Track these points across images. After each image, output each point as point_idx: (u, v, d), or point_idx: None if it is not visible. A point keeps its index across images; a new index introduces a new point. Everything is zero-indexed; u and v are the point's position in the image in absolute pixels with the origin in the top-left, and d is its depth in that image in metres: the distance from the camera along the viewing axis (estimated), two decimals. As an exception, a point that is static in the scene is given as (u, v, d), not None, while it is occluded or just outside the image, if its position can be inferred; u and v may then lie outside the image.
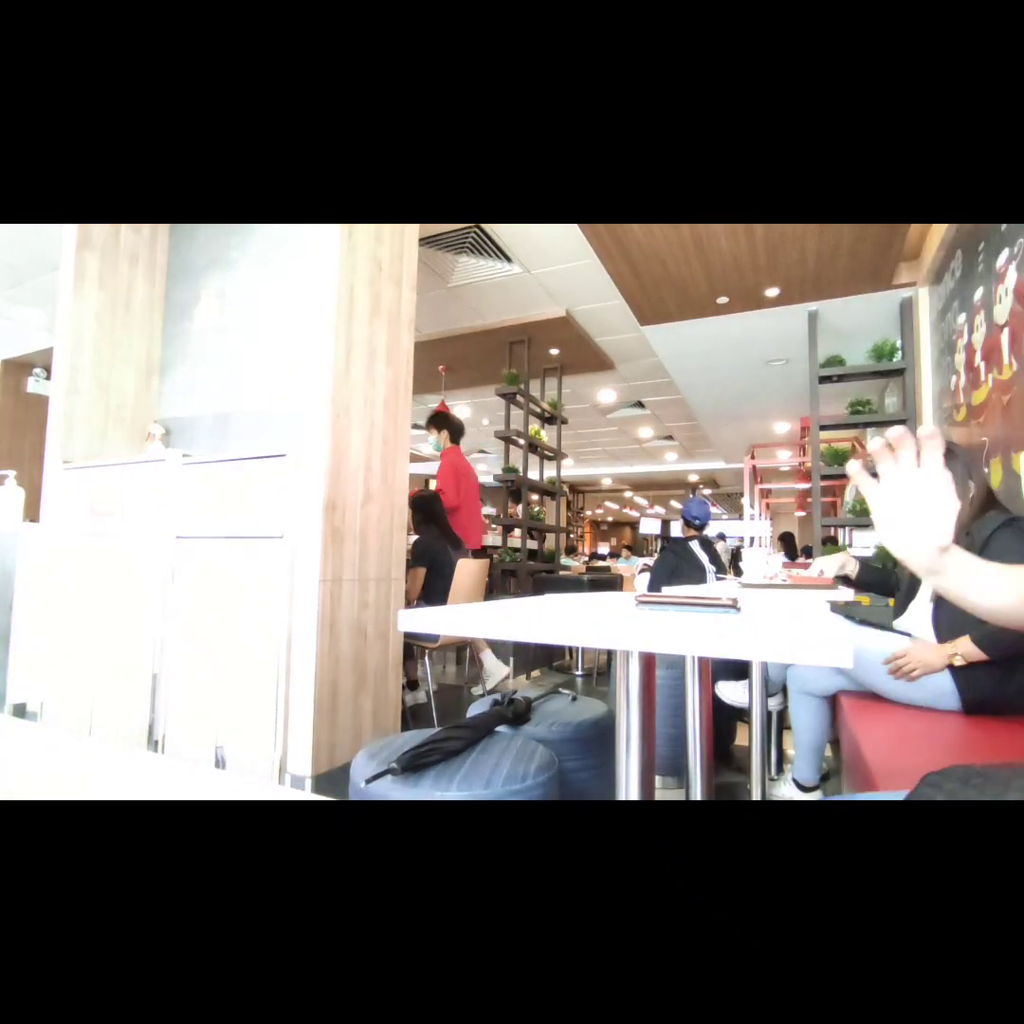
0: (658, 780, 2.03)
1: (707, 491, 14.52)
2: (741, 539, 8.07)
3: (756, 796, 1.92)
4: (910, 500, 0.57)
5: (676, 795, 1.99)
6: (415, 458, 11.27)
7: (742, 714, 2.18)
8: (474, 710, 1.53)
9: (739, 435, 8.44)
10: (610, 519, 19.06)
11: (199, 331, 2.67)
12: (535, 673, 4.46)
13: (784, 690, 2.08)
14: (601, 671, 4.49)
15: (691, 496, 4.09)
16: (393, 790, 1.07)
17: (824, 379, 4.12)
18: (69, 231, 2.65)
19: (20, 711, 2.50)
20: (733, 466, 10.35)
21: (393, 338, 2.34)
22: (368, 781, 1.09)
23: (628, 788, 0.77)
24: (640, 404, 7.39)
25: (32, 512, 2.71)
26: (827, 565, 1.92)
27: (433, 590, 3.17)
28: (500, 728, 1.39)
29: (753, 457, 7.27)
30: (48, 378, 2.80)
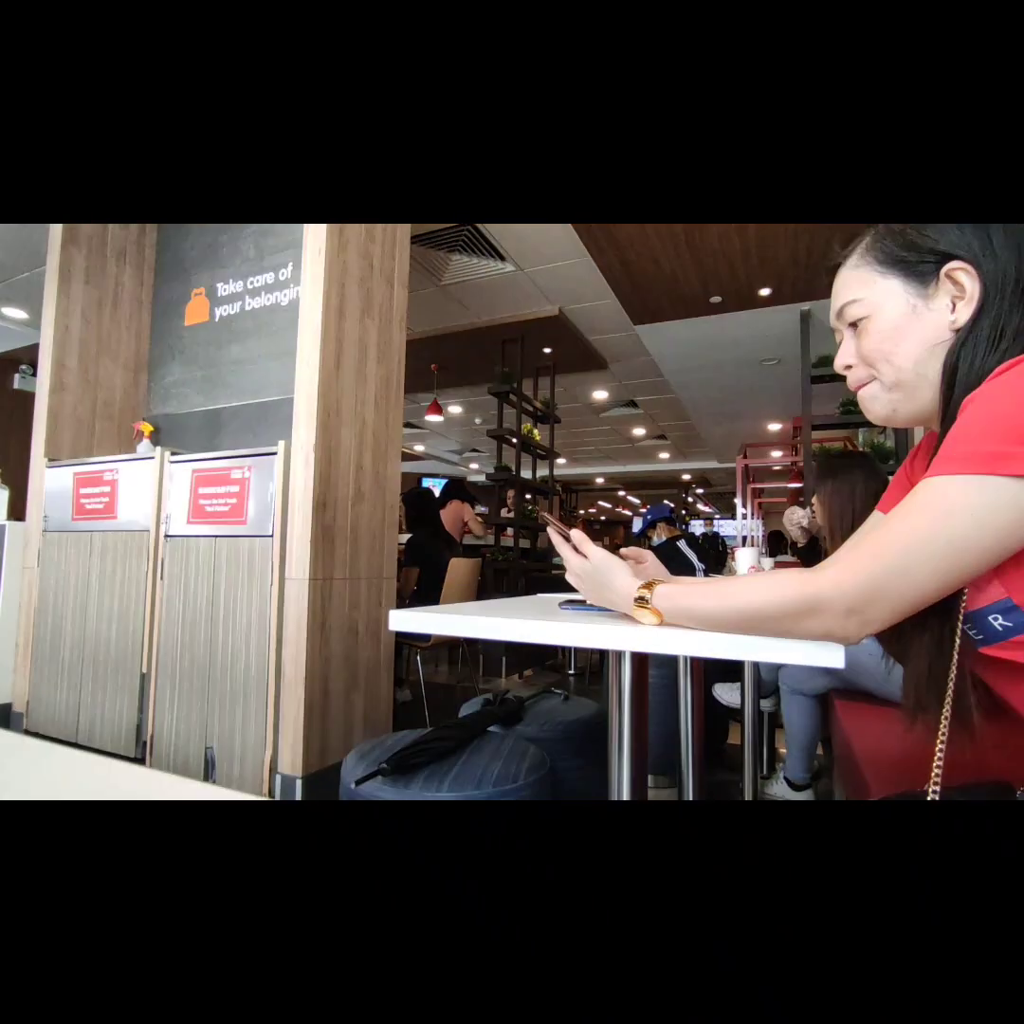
0: (650, 779, 2.03)
1: (699, 490, 14.57)
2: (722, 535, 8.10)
3: (748, 795, 1.92)
4: (592, 579, 0.71)
5: (669, 794, 1.99)
6: (407, 456, 11.25)
7: (735, 713, 2.18)
8: (466, 710, 1.53)
9: (732, 434, 8.47)
10: (603, 518, 19.09)
11: (189, 328, 2.65)
12: (527, 672, 4.45)
13: (777, 691, 2.08)
14: (594, 670, 4.49)
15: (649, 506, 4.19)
16: (383, 791, 1.06)
17: (816, 379, 4.13)
18: (55, 227, 2.61)
19: (5, 712, 2.47)
20: (726, 465, 10.39)
21: (384, 336, 2.33)
22: (358, 782, 1.08)
23: (620, 788, 0.77)
24: (633, 403, 7.39)
25: (18, 511, 2.68)
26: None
27: (426, 589, 3.16)
28: (492, 728, 1.38)
29: (745, 456, 7.29)
30: (34, 375, 2.76)
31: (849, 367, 0.67)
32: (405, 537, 3.43)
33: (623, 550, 0.82)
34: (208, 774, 1.96)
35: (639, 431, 8.99)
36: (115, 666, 2.21)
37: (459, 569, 3.13)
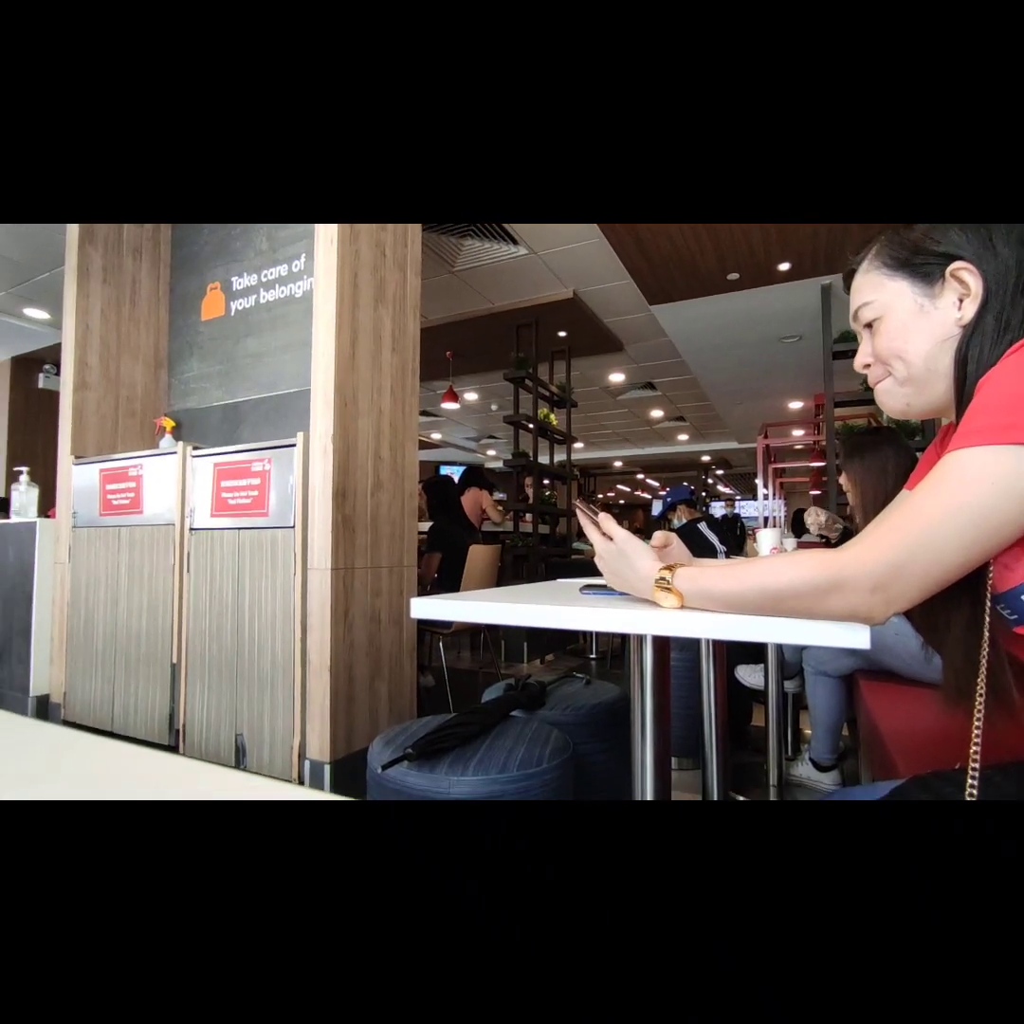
0: (674, 761, 2.04)
1: (720, 472, 14.41)
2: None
3: (773, 776, 1.92)
4: (615, 562, 0.73)
5: (693, 776, 1.99)
6: (424, 444, 11.24)
7: (759, 695, 2.17)
8: (488, 695, 1.54)
9: (752, 414, 8.34)
10: (622, 502, 19.00)
11: (205, 323, 2.67)
12: (549, 657, 4.47)
13: (801, 672, 2.07)
14: (615, 654, 4.49)
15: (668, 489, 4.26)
16: (410, 776, 1.08)
17: (838, 355, 4.05)
18: (72, 226, 2.64)
19: (43, 703, 2.55)
20: (746, 446, 10.25)
21: (399, 324, 2.32)
22: (384, 767, 1.09)
23: (644, 771, 0.77)
24: (650, 385, 7.31)
25: (48, 507, 2.74)
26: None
27: (447, 575, 3.18)
28: (515, 713, 1.39)
29: (766, 436, 7.18)
30: (57, 374, 2.82)
31: (867, 366, 0.70)
32: (426, 525, 3.45)
33: (655, 535, 0.83)
34: (239, 761, 2.01)
35: (657, 413, 8.90)
36: (146, 657, 2.27)
37: (479, 556, 3.15)
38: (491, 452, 12.11)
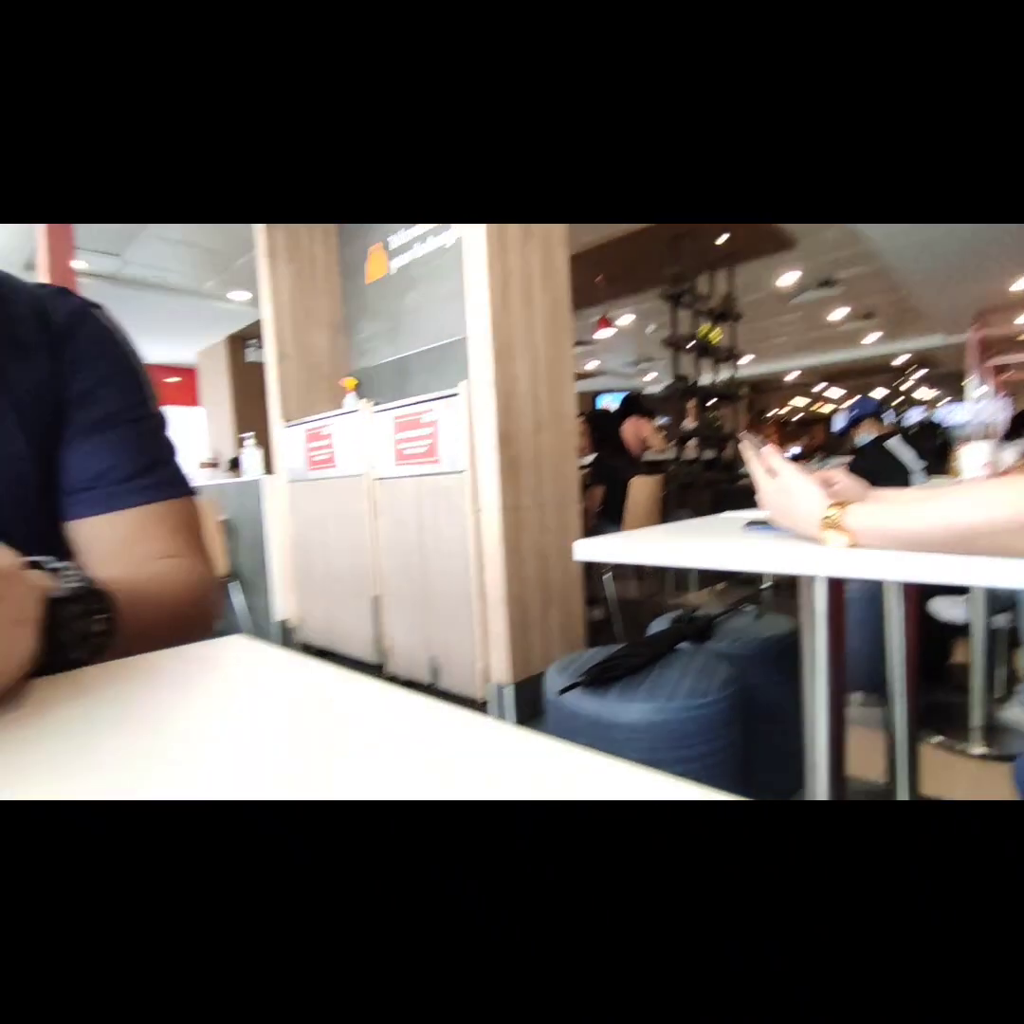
0: (860, 695, 1.94)
1: (920, 373, 12.41)
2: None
3: (977, 719, 1.75)
4: (778, 499, 0.70)
5: (877, 713, 1.89)
6: (580, 376, 11.05)
7: (959, 630, 1.96)
8: (655, 627, 1.59)
9: (962, 300, 7.00)
10: (795, 419, 17.27)
11: (370, 285, 2.87)
12: (720, 586, 4.37)
13: (1014, 606, 1.82)
14: (790, 583, 4.25)
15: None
16: (583, 701, 1.18)
17: (1088, 214, 3.21)
18: (257, 212, 2.95)
19: (283, 627, 3.10)
20: (954, 340, 8.67)
21: (547, 260, 2.31)
22: (560, 692, 1.21)
23: (814, 713, 0.77)
24: (828, 283, 6.43)
25: (270, 466, 3.23)
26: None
27: (611, 508, 3.22)
28: (682, 645, 1.43)
29: (982, 326, 6.01)
30: (260, 347, 3.24)
31: None
32: (588, 458, 3.49)
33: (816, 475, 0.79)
34: (434, 679, 2.31)
35: (838, 314, 7.84)
36: (355, 590, 2.65)
37: (642, 489, 3.13)
38: (651, 375, 11.61)
